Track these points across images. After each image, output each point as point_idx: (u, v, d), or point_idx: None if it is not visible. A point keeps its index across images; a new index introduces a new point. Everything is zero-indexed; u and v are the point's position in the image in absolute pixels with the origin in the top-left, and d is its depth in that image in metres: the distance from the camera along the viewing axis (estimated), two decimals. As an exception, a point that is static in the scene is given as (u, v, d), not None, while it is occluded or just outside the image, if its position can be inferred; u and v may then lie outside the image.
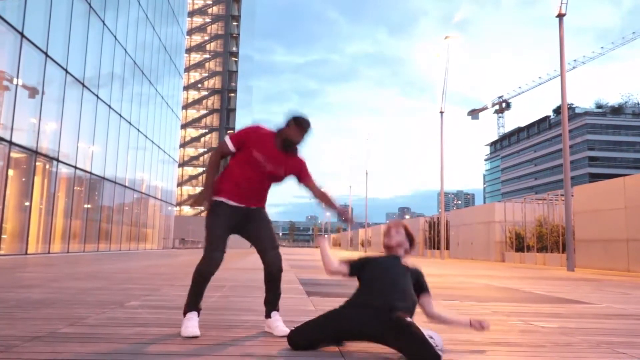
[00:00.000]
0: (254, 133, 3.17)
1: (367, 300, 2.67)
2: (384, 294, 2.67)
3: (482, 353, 2.74)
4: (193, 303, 3.08)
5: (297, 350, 2.59)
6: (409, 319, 2.55)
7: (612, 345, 3.04)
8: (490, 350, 2.84)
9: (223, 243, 3.08)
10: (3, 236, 14.18)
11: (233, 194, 3.12)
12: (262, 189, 3.20)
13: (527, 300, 5.86)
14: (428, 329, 2.58)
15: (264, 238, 3.15)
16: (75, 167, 18.97)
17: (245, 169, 3.12)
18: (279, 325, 3.07)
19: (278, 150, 3.13)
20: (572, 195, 18.75)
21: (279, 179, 3.20)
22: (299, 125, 3.10)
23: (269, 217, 3.27)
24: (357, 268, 2.96)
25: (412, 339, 2.33)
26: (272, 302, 3.19)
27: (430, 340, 2.36)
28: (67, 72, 17.67)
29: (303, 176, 3.24)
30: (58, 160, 17.41)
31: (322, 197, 3.26)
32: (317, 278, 8.51)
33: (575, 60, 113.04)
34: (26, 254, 15.25)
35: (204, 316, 3.44)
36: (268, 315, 3.16)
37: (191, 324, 2.97)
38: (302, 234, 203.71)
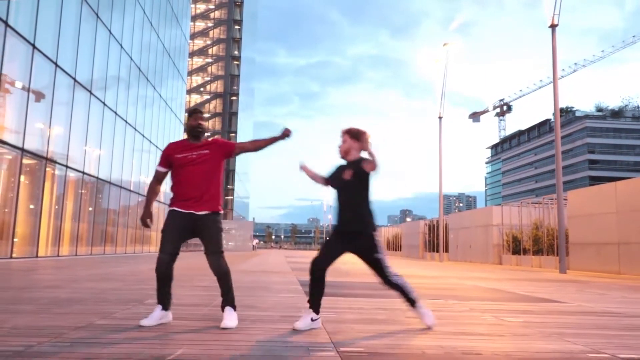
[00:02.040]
0: (170, 146, 3.83)
1: (337, 226, 3.65)
2: (341, 218, 3.67)
3: (450, 340, 3.28)
4: (158, 298, 3.69)
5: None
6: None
7: (562, 335, 3.59)
8: (456, 338, 3.39)
9: (170, 246, 3.61)
10: (15, 240, 14.75)
11: (179, 201, 3.69)
12: (202, 185, 3.67)
13: (507, 299, 6.40)
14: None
15: (207, 243, 3.67)
16: (83, 172, 19.56)
17: (179, 173, 3.73)
18: (225, 317, 3.54)
19: (191, 143, 3.80)
20: (566, 200, 19.30)
21: (210, 164, 3.74)
22: (193, 114, 3.84)
23: (217, 224, 3.69)
24: (328, 179, 3.82)
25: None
26: (223, 298, 3.66)
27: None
28: (75, 80, 18.27)
29: (229, 146, 3.90)
30: (67, 166, 18.00)
31: (258, 144, 3.91)
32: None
33: (576, 64, 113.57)
34: (37, 256, 15.83)
35: (214, 311, 3.99)
36: (222, 309, 3.64)
37: (151, 315, 3.59)
38: (304, 237, 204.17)
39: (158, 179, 3.85)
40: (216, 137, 3.99)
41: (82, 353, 2.60)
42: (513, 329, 3.84)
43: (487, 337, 3.49)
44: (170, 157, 3.75)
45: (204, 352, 2.74)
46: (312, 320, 3.55)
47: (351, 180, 3.62)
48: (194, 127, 3.81)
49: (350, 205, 3.65)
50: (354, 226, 3.60)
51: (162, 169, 3.81)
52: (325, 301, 5.40)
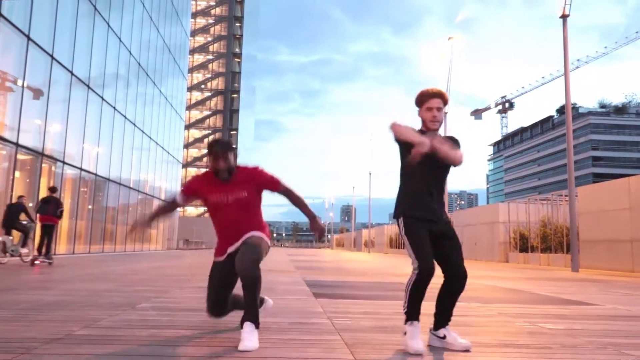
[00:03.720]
0: (197, 181, 3.29)
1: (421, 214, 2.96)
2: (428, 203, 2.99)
3: (491, 354, 2.79)
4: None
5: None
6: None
7: (619, 347, 3.08)
8: (499, 352, 2.89)
9: (220, 304, 3.21)
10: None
11: (220, 249, 3.22)
12: (238, 223, 3.16)
13: (532, 301, 5.90)
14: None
15: (243, 247, 3.08)
16: (81, 169, 19.08)
17: (216, 218, 3.20)
18: (245, 338, 2.76)
19: (221, 181, 3.16)
20: (576, 196, 18.76)
21: (250, 205, 3.17)
22: (211, 154, 3.17)
23: (257, 237, 3.16)
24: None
25: None
26: (245, 310, 2.96)
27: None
28: (72, 74, 17.77)
29: (268, 185, 3.25)
30: (64, 162, 17.52)
31: (298, 203, 3.28)
32: (323, 279, 8.56)
33: (578, 60, 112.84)
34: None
35: (215, 319, 3.50)
36: (241, 325, 2.90)
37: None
38: (305, 235, 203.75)
39: (174, 205, 3.40)
40: (254, 168, 3.29)
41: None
42: (558, 339, 3.34)
43: (534, 350, 2.98)
44: (199, 194, 3.24)
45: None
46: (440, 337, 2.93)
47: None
48: (220, 170, 3.17)
49: (440, 189, 3.00)
50: (442, 214, 2.97)
51: (182, 199, 3.30)
52: (338, 305, 4.90)
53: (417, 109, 3.02)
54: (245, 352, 2.63)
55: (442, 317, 2.93)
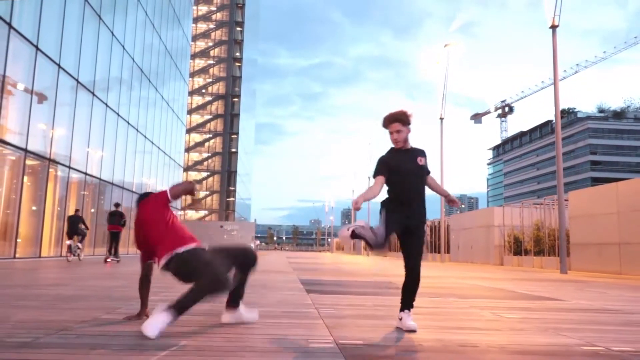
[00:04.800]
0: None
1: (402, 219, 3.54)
2: (409, 208, 3.59)
3: (448, 334, 3.35)
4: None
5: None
6: None
7: (558, 330, 3.65)
8: (455, 332, 3.45)
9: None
10: (18, 240, 14.85)
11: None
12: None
13: (505, 297, 6.46)
14: None
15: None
16: (86, 173, 19.67)
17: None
18: (247, 311, 3.58)
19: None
20: (567, 200, 19.33)
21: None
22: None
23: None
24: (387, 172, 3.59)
25: None
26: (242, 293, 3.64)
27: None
28: (77, 81, 18.38)
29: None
30: (69, 167, 18.11)
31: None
32: (317, 279, 9.12)
33: (577, 65, 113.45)
34: (40, 257, 15.92)
35: (217, 307, 4.06)
36: (235, 306, 3.57)
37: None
38: (306, 238, 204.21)
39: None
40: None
41: (89, 344, 2.67)
42: (510, 324, 3.91)
43: (484, 331, 3.55)
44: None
45: (206, 344, 2.81)
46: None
47: (423, 167, 3.58)
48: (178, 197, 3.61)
49: (420, 195, 3.57)
50: (422, 219, 3.58)
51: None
52: (327, 299, 5.49)
53: (385, 129, 3.62)
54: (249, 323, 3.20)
55: (405, 302, 3.51)
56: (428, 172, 3.70)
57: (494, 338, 3.28)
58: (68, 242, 14.24)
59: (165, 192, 3.49)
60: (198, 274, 3.21)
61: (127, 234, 24.30)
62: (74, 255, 14.41)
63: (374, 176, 3.55)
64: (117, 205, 15.07)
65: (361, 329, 3.50)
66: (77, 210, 15.32)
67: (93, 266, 11.77)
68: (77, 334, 2.96)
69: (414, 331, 3.37)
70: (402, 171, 3.48)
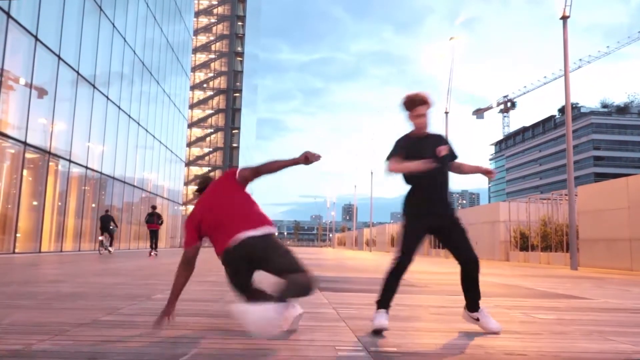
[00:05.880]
0: (193, 214, 3.26)
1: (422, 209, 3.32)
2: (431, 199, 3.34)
3: (486, 339, 3.02)
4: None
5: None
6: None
7: (604, 334, 3.32)
8: (493, 337, 3.12)
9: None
10: (17, 235, 14.56)
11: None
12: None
13: (526, 295, 6.13)
14: None
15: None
16: (86, 167, 19.34)
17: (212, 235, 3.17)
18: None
19: (206, 196, 3.26)
20: (576, 195, 18.97)
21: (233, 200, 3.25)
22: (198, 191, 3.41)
23: None
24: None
25: None
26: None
27: None
28: (78, 73, 18.03)
29: (243, 172, 3.28)
30: (70, 161, 17.78)
31: (276, 168, 3.23)
32: (325, 275, 8.80)
33: (580, 60, 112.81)
34: (40, 252, 15.63)
35: (227, 308, 3.74)
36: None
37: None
38: (307, 234, 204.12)
39: (190, 260, 3.34)
40: (223, 176, 3.38)
41: (87, 353, 2.35)
42: (548, 327, 3.58)
43: (523, 335, 3.22)
44: (200, 218, 3.31)
45: (221, 352, 2.48)
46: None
47: (446, 156, 3.28)
48: (199, 188, 3.40)
49: (445, 185, 3.27)
50: (451, 207, 3.30)
51: (198, 243, 3.31)
52: (341, 297, 5.16)
53: (405, 112, 3.27)
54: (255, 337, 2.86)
55: (471, 299, 3.27)
56: (456, 157, 3.38)
57: (539, 344, 2.94)
58: (100, 237, 16.77)
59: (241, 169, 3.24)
60: (280, 265, 2.93)
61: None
62: (105, 249, 16.71)
63: (388, 158, 3.22)
64: (154, 207, 17.48)
65: (389, 332, 3.16)
66: (107, 210, 17.63)
67: (92, 263, 11.47)
68: (74, 340, 2.64)
69: (496, 333, 3.16)
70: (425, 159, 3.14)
